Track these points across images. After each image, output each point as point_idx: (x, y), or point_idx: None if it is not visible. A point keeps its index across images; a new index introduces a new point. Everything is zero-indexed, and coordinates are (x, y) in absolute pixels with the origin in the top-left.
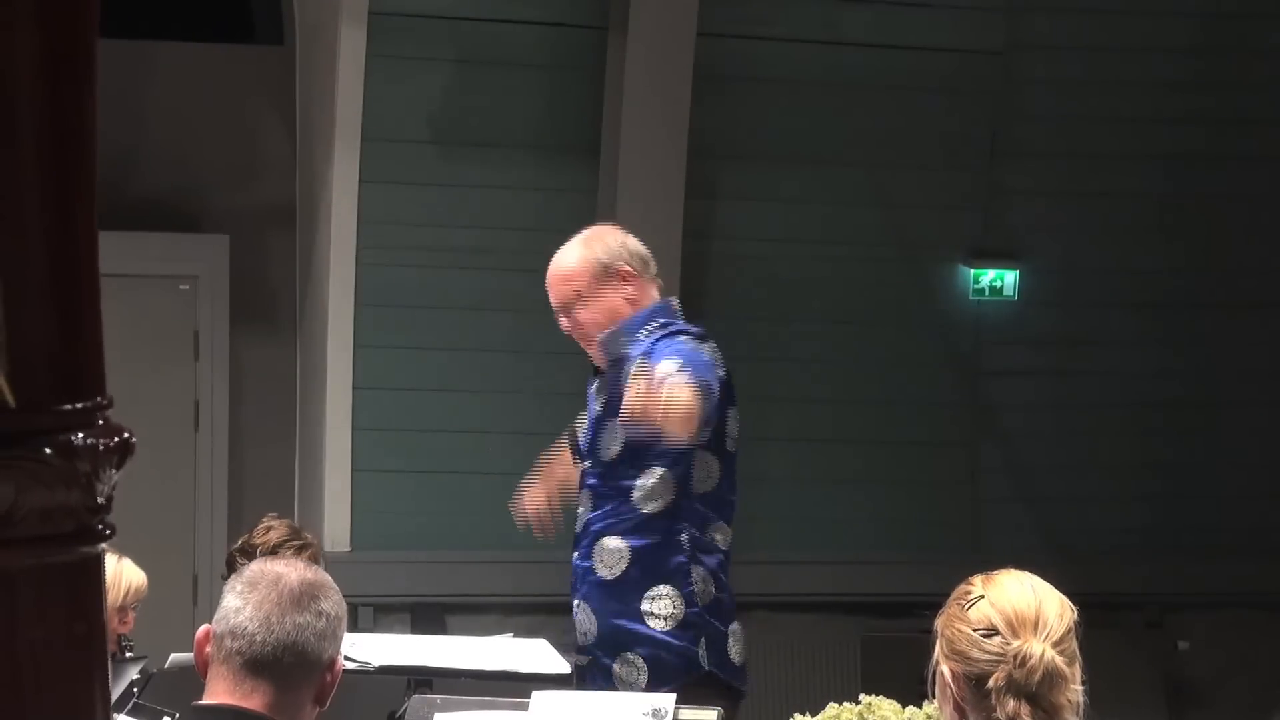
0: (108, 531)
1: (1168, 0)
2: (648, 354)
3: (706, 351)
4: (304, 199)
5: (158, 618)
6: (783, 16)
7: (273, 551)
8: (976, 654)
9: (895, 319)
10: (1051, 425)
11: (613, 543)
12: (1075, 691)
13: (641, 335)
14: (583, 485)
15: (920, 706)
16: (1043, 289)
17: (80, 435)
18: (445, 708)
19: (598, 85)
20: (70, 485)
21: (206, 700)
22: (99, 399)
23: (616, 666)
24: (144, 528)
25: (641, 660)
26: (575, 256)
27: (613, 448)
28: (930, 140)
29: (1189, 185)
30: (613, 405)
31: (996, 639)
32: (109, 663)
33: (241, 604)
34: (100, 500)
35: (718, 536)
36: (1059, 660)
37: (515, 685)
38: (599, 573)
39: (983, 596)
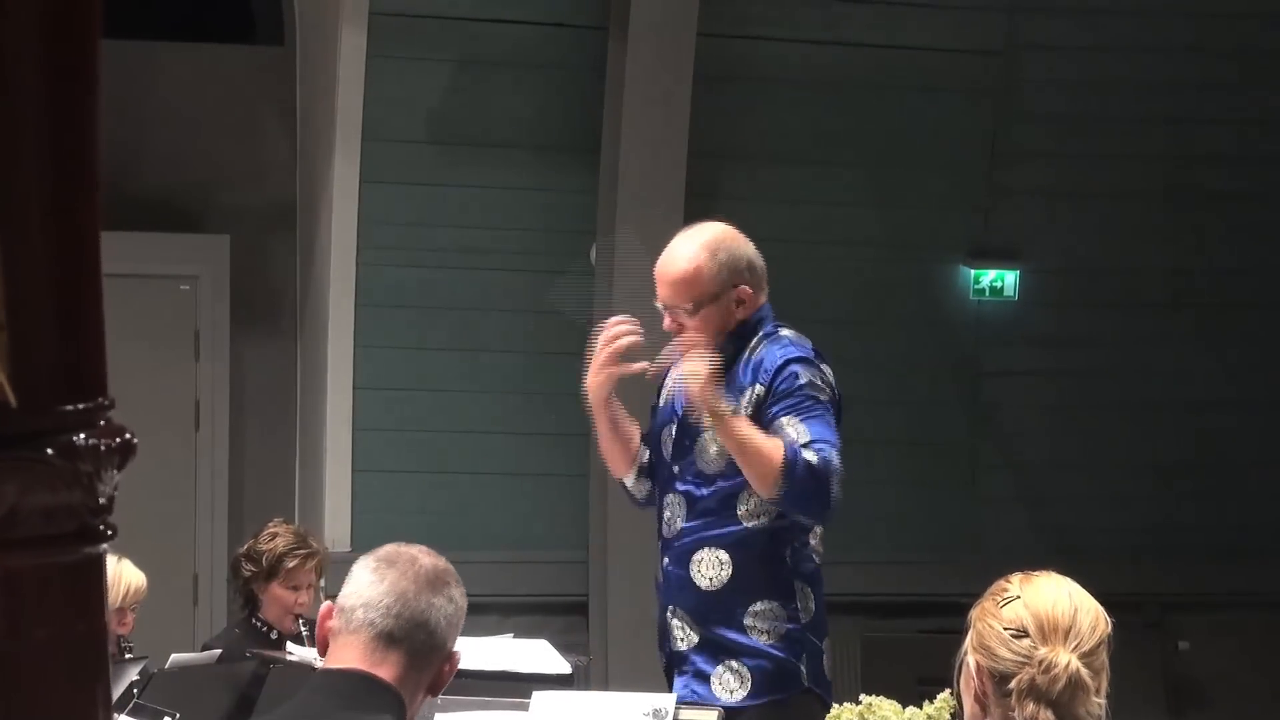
0: (109, 532)
1: (1167, 0)
2: (760, 367)
3: (820, 373)
4: (304, 199)
5: (158, 618)
6: (783, 16)
7: (278, 559)
8: (1004, 653)
9: (896, 319)
10: (1051, 425)
11: (713, 554)
12: (1097, 704)
13: (749, 348)
14: (671, 489)
15: (920, 707)
16: (1043, 289)
17: (82, 436)
18: (445, 708)
19: (598, 85)
20: (72, 485)
21: (335, 665)
22: (101, 399)
23: (718, 672)
24: (144, 528)
25: (746, 670)
26: (696, 261)
27: (716, 462)
28: (930, 140)
29: (1189, 185)
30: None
31: (1025, 641)
32: (110, 663)
33: (377, 579)
34: (102, 500)
35: (817, 546)
36: (1084, 672)
37: (515, 685)
38: (698, 583)
39: (1018, 597)
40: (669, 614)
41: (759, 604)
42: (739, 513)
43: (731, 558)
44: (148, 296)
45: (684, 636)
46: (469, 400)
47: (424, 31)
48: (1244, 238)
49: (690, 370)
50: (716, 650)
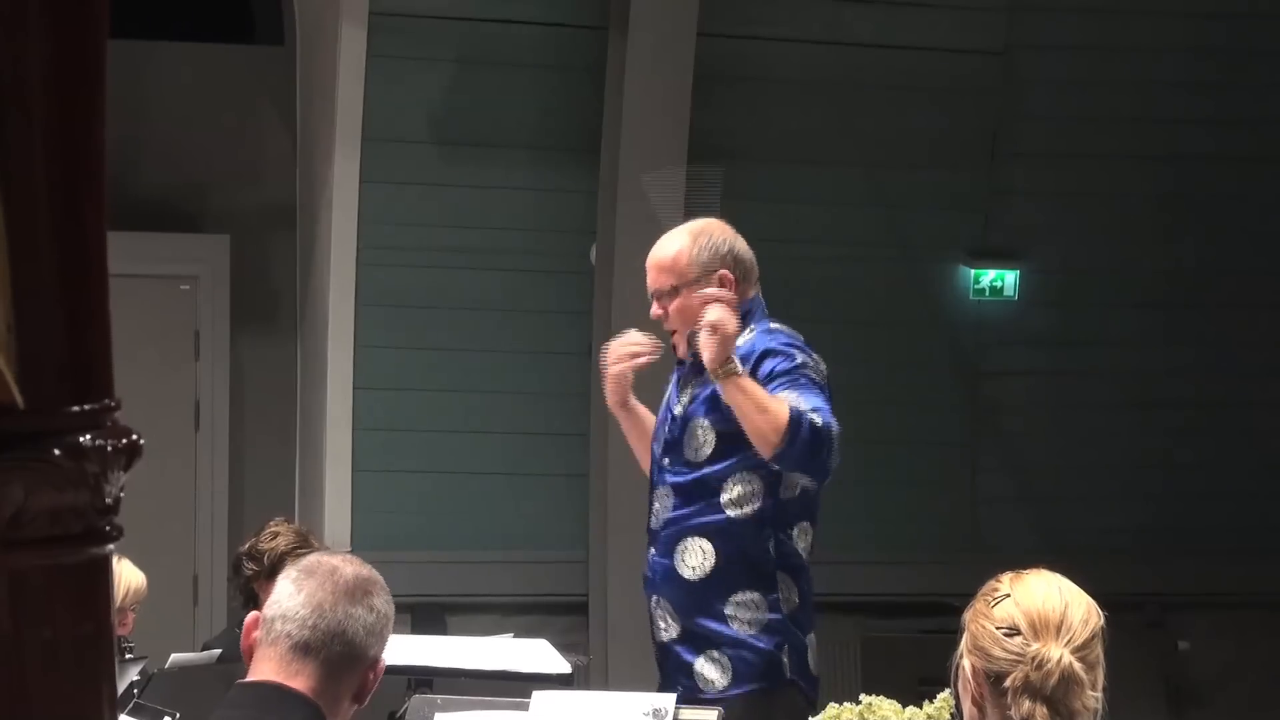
0: (115, 533)
1: (1167, 0)
2: (750, 356)
3: (812, 361)
4: (304, 199)
5: (158, 618)
6: (783, 16)
7: (279, 558)
8: (997, 652)
9: (895, 319)
10: (1051, 425)
11: (697, 543)
12: (1093, 698)
13: (740, 340)
14: (661, 481)
15: (920, 706)
16: (1043, 289)
17: (89, 437)
18: (445, 708)
19: (598, 85)
20: (79, 487)
21: (250, 678)
22: (107, 400)
23: (699, 663)
24: (144, 528)
25: (727, 659)
26: (679, 248)
27: (703, 449)
28: (931, 140)
29: (1189, 185)
30: (702, 403)
31: (1018, 639)
32: (116, 664)
33: (295, 590)
34: (108, 501)
35: (802, 541)
36: (1077, 666)
37: (515, 685)
38: (681, 572)
39: (1009, 595)
40: (653, 604)
41: (740, 594)
42: (721, 500)
43: (715, 547)
44: (148, 296)
45: (667, 627)
46: (469, 400)
47: (424, 31)
48: (1244, 238)
49: (716, 319)
50: (698, 641)
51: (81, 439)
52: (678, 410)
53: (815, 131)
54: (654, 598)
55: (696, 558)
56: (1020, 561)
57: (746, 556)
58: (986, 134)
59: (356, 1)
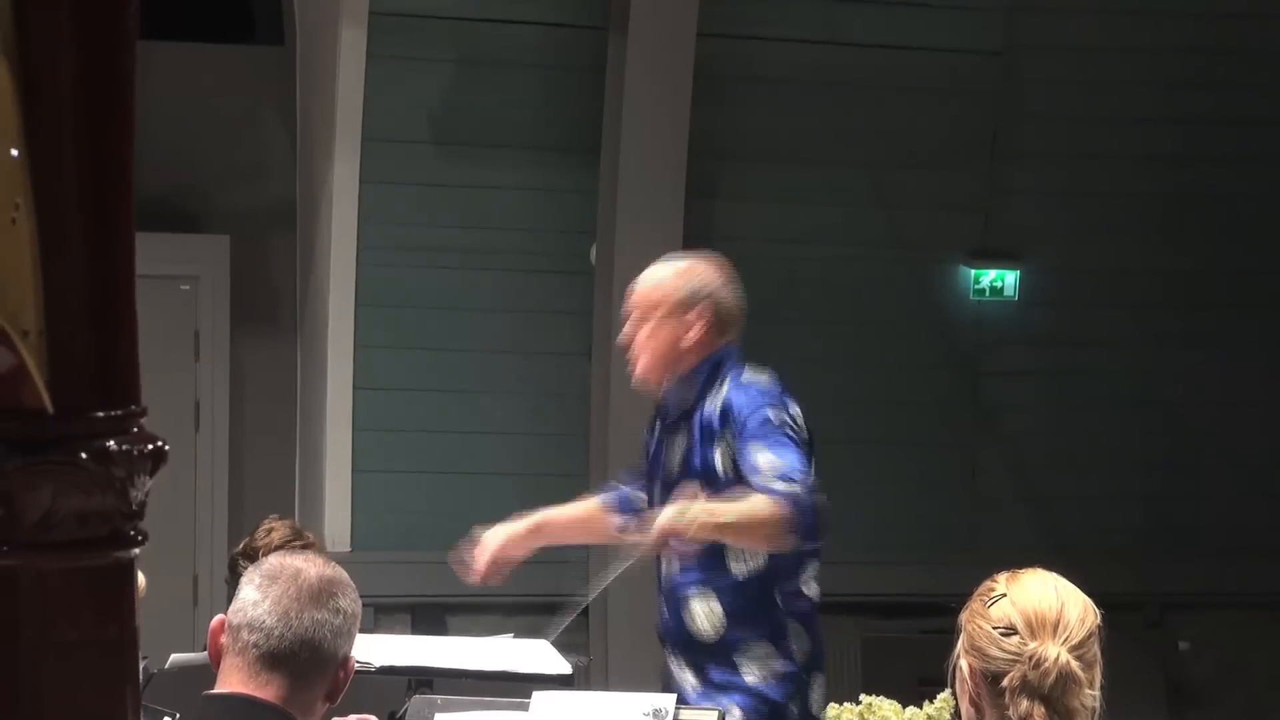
0: (141, 537)
1: (1167, 0)
2: (727, 413)
3: (789, 415)
4: (304, 199)
5: (158, 618)
6: (783, 16)
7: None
8: (994, 652)
9: (896, 319)
10: (1051, 425)
11: (705, 605)
12: (1090, 696)
13: (713, 392)
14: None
15: (920, 707)
16: (1043, 289)
17: (115, 441)
18: (446, 708)
19: (598, 85)
20: (105, 490)
21: (219, 689)
22: (134, 406)
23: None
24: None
25: (739, 710)
26: (666, 276)
27: None
28: (930, 140)
29: (1189, 185)
30: (689, 465)
31: (1014, 638)
32: (139, 666)
33: (260, 597)
34: (134, 506)
35: (809, 585)
36: (1074, 664)
37: (516, 685)
38: (694, 633)
39: (1005, 595)
40: (667, 655)
41: (753, 647)
42: (729, 563)
43: (724, 607)
44: (148, 296)
45: (683, 677)
46: (468, 400)
47: (424, 31)
48: (1244, 238)
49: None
50: (712, 691)
51: (109, 444)
52: (674, 472)
53: (815, 131)
54: (669, 655)
55: (707, 620)
56: (1020, 561)
57: (757, 611)
58: (986, 134)
59: (356, 1)
